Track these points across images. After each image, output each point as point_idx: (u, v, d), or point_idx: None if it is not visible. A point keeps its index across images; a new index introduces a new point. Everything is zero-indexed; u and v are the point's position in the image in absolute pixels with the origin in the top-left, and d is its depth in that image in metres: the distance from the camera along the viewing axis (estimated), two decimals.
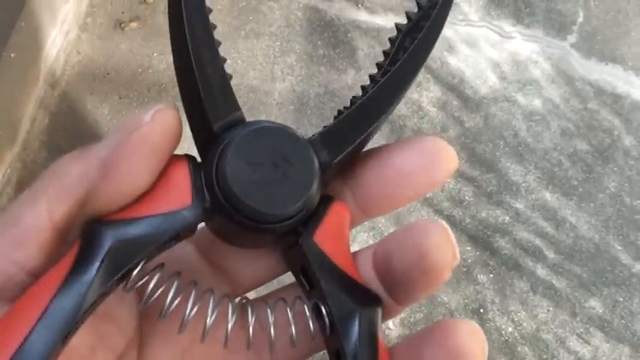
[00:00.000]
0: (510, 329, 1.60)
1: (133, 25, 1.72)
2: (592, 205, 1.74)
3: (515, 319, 1.62)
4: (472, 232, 1.67)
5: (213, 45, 0.27)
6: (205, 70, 0.26)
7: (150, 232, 0.24)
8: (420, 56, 0.29)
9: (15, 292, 0.23)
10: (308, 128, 1.71)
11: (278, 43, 1.80)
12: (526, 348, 1.59)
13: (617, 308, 1.65)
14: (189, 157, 0.27)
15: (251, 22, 1.81)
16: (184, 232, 0.25)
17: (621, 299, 1.66)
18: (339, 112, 0.30)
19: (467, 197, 1.71)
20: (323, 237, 0.26)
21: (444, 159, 0.27)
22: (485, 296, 1.63)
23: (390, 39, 0.33)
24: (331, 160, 0.27)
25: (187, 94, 0.27)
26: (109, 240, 0.23)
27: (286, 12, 1.85)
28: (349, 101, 0.31)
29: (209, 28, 0.27)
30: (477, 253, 1.66)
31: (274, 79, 1.76)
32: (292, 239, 0.27)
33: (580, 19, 1.96)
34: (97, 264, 0.23)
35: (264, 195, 0.25)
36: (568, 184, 1.76)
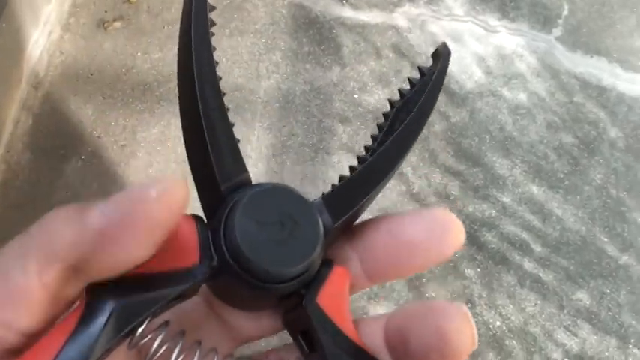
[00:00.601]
0: (498, 323, 1.61)
1: (117, 24, 1.72)
2: (578, 197, 1.75)
3: (503, 312, 1.62)
4: None
5: (222, 108, 0.28)
6: (215, 133, 0.27)
7: (155, 291, 0.24)
8: (417, 125, 0.30)
9: (2, 353, 0.23)
10: (294, 125, 1.71)
11: (263, 41, 1.80)
12: (514, 341, 1.60)
13: (604, 300, 1.66)
14: (196, 217, 0.26)
15: (235, 20, 1.81)
16: (190, 291, 0.25)
17: (608, 291, 1.66)
18: (340, 179, 0.30)
19: (453, 192, 1.71)
20: (325, 300, 0.27)
21: (453, 232, 0.27)
22: (472, 290, 1.63)
23: (383, 114, 0.33)
24: (333, 223, 0.27)
25: (196, 156, 0.27)
26: (112, 301, 0.23)
27: (271, 9, 1.85)
28: (338, 178, 0.31)
29: (219, 90, 0.28)
30: (464, 247, 1.66)
31: (259, 77, 1.75)
32: (294, 301, 0.27)
33: (565, 13, 1.96)
34: (101, 324, 0.22)
35: (271, 254, 0.25)
36: (554, 177, 1.76)
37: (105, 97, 1.64)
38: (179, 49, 0.28)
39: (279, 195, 0.27)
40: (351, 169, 0.31)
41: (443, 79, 0.31)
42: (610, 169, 1.78)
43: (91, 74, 1.66)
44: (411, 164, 1.71)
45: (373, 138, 0.33)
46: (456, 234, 0.27)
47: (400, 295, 1.58)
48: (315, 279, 0.27)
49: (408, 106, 0.31)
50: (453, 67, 1.84)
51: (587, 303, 1.65)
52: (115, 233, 0.22)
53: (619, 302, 1.65)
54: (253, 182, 0.28)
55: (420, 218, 0.27)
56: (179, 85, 0.28)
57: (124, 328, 0.23)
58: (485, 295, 1.63)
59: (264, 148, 1.66)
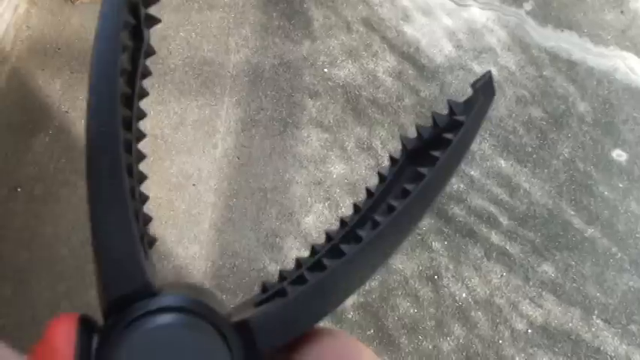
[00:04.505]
0: (464, 295, 1.63)
1: None
2: (546, 171, 1.76)
3: (469, 284, 1.64)
4: None
5: (125, 202, 0.23)
6: (110, 228, 0.22)
7: None
8: (415, 210, 0.24)
9: None
10: (263, 99, 1.71)
11: (232, 15, 1.79)
12: (479, 313, 1.62)
13: (569, 272, 1.68)
14: (82, 322, 0.22)
15: None
16: None
17: (573, 263, 1.68)
18: (298, 263, 0.26)
19: None
20: None
21: None
22: (439, 263, 1.65)
23: (391, 158, 0.27)
24: (260, 351, 0.23)
25: (93, 251, 0.23)
26: None
27: None
28: (279, 275, 0.27)
29: (119, 168, 0.23)
30: (432, 220, 1.68)
31: (229, 51, 1.75)
32: None
33: None
34: None
35: None
36: (522, 150, 1.77)
37: (73, 72, 1.64)
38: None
39: (183, 332, 0.22)
40: (312, 251, 0.26)
41: (475, 132, 0.24)
42: (578, 143, 1.79)
43: (59, 49, 1.66)
44: (380, 138, 1.72)
45: (356, 207, 0.27)
46: None
47: None
48: None
49: (421, 161, 0.25)
50: (422, 40, 1.84)
51: (553, 275, 1.67)
52: None
53: (584, 274, 1.68)
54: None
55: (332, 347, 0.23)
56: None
57: None
58: (452, 268, 1.65)
59: (233, 123, 1.67)
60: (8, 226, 1.49)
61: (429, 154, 0.25)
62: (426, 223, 1.67)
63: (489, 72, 0.26)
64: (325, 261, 0.24)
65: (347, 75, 1.78)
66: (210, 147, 1.63)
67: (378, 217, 0.24)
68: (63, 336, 0.21)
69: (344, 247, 0.24)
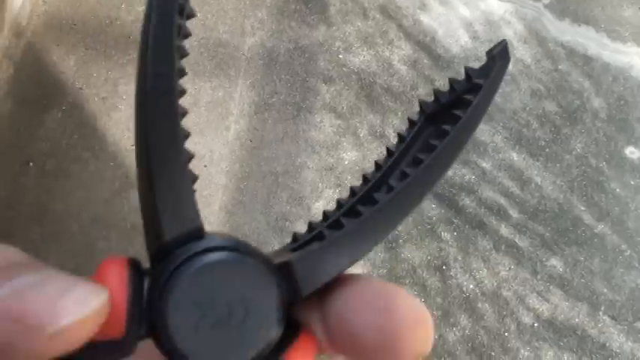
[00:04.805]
0: (472, 286, 1.63)
1: None
2: (558, 165, 1.76)
3: (477, 276, 1.64)
4: (438, 190, 1.69)
5: (177, 137, 0.23)
6: (165, 171, 0.23)
7: None
8: (441, 163, 0.25)
9: None
10: (277, 83, 1.70)
11: None
12: (486, 305, 1.62)
13: (577, 267, 1.68)
14: (132, 265, 0.22)
15: None
16: None
17: (582, 259, 1.68)
18: (310, 227, 0.26)
19: None
20: None
21: (423, 340, 0.22)
22: (448, 253, 1.65)
23: (410, 120, 0.28)
24: (301, 293, 0.23)
25: (142, 195, 0.23)
26: None
27: None
28: (324, 214, 0.27)
29: (175, 113, 0.23)
30: (442, 211, 1.67)
31: (244, 34, 1.74)
32: None
33: None
34: None
35: (209, 346, 0.22)
36: (535, 144, 1.77)
37: (87, 49, 1.64)
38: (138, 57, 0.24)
39: (230, 268, 0.23)
40: (325, 215, 0.26)
41: (492, 95, 0.26)
42: (591, 139, 1.78)
43: (74, 25, 1.65)
44: (393, 126, 1.71)
45: (377, 165, 0.28)
46: (426, 341, 0.22)
47: (376, 254, 1.60)
48: (273, 352, 0.23)
49: (440, 121, 0.26)
50: (439, 30, 1.84)
51: (561, 270, 1.67)
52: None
53: (592, 270, 1.68)
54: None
55: (384, 312, 0.22)
56: (136, 100, 0.23)
57: None
58: (460, 259, 1.65)
59: (246, 105, 1.66)
60: (19, 200, 1.49)
61: (450, 115, 0.26)
62: (436, 213, 1.67)
63: (505, 40, 0.27)
64: (360, 208, 0.25)
65: (362, 62, 1.77)
66: (223, 129, 1.63)
67: (406, 169, 0.25)
68: (115, 278, 0.21)
69: (376, 195, 0.25)
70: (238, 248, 0.23)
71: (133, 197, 1.52)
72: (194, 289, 0.22)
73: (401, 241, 1.63)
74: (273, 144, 1.65)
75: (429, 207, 1.67)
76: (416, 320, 0.22)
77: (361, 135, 1.70)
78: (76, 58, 1.62)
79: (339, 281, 0.24)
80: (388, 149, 0.28)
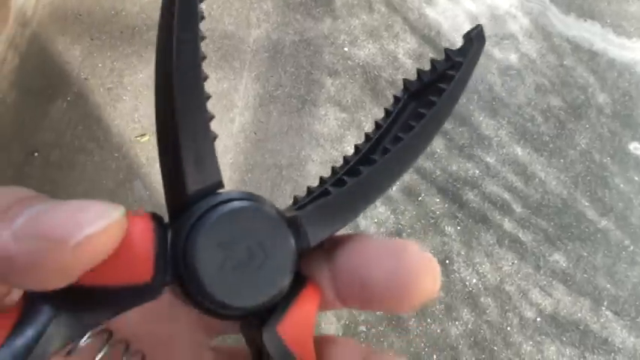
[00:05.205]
0: (475, 280, 1.63)
1: None
2: (562, 161, 1.76)
3: (480, 270, 1.64)
4: (442, 184, 1.69)
5: (201, 95, 0.24)
6: (190, 128, 0.24)
7: (98, 306, 0.22)
8: (432, 127, 0.27)
9: None
10: (282, 76, 1.70)
11: None
12: (489, 299, 1.62)
13: (580, 263, 1.68)
14: (155, 218, 0.24)
15: None
16: (138, 306, 0.23)
17: (585, 254, 1.68)
18: (309, 191, 0.28)
19: (438, 149, 1.72)
20: (288, 328, 0.24)
21: (430, 284, 0.23)
22: (451, 247, 1.65)
23: (395, 97, 0.30)
24: (309, 243, 0.25)
25: (165, 149, 0.24)
26: (48, 311, 0.21)
27: None
28: (331, 171, 0.28)
29: (199, 73, 0.24)
30: (446, 205, 1.67)
31: (249, 26, 1.74)
32: (255, 322, 0.25)
33: None
34: (37, 333, 0.20)
35: (233, 286, 0.23)
36: (540, 139, 1.76)
37: (93, 39, 1.64)
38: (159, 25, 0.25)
39: (250, 214, 0.24)
40: (334, 172, 0.28)
41: (471, 71, 0.28)
42: (596, 134, 1.78)
43: (80, 15, 1.65)
44: None
45: (367, 136, 0.29)
46: (434, 284, 0.23)
47: None
48: (281, 302, 0.24)
49: (424, 96, 0.28)
50: (444, 24, 1.83)
51: (564, 265, 1.67)
52: (25, 264, 0.19)
53: (595, 265, 1.68)
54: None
55: (395, 259, 0.24)
56: (156, 67, 0.25)
57: (62, 339, 0.21)
58: (463, 253, 1.65)
59: (251, 98, 1.66)
60: None
61: (434, 88, 0.28)
62: (440, 207, 1.67)
63: (480, 24, 0.29)
64: (359, 167, 0.26)
65: (367, 55, 1.77)
66: (228, 121, 1.63)
67: (399, 134, 0.27)
68: (141, 224, 0.22)
69: (373, 156, 0.27)
70: (257, 200, 0.25)
71: (137, 188, 1.52)
72: (218, 233, 0.23)
73: (404, 235, 1.64)
74: (277, 136, 1.65)
75: (433, 201, 1.67)
76: (425, 265, 0.23)
77: (366, 128, 1.69)
78: (82, 48, 1.62)
79: (349, 237, 0.25)
80: (377, 122, 0.30)
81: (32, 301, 0.21)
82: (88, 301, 0.22)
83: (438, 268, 0.23)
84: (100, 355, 0.24)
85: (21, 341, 0.20)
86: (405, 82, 0.29)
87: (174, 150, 0.24)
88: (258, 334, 0.24)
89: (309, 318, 0.25)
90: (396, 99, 0.29)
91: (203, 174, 0.24)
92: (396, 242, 0.24)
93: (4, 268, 0.20)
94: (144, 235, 0.22)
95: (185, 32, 0.24)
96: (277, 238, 0.24)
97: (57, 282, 0.20)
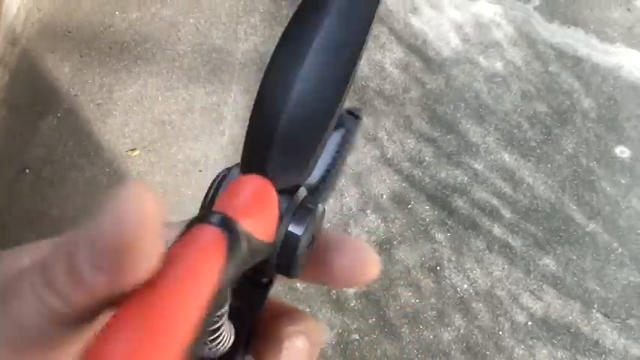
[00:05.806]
0: (466, 286, 1.65)
1: None
2: (549, 166, 1.78)
3: (471, 276, 1.66)
4: (431, 191, 1.70)
5: None
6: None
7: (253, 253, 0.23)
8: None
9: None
10: None
11: (242, 3, 1.80)
12: (480, 304, 1.64)
13: (570, 266, 1.69)
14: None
15: None
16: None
17: (574, 257, 1.70)
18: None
19: (427, 157, 1.74)
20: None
21: (372, 267, 0.29)
22: (442, 254, 1.67)
23: None
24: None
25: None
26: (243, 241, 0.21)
27: None
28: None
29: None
30: (435, 212, 1.69)
31: (237, 40, 1.76)
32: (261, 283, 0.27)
33: None
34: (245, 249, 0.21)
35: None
36: (526, 145, 1.79)
37: (82, 55, 1.65)
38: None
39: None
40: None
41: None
42: (582, 139, 1.80)
43: (69, 32, 1.66)
44: (386, 129, 1.73)
45: None
46: (373, 269, 0.29)
47: None
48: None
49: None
50: (430, 33, 1.86)
51: (554, 269, 1.69)
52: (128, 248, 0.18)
53: (584, 268, 1.69)
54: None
55: (348, 252, 0.29)
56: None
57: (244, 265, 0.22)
58: (454, 259, 1.66)
59: (240, 110, 1.68)
60: (15, 206, 1.51)
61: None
62: (430, 214, 1.68)
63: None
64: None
65: None
66: (217, 134, 1.64)
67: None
68: (272, 194, 0.26)
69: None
70: None
71: None
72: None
73: (395, 242, 1.65)
74: None
75: (423, 209, 1.68)
76: (373, 259, 0.28)
77: None
78: (71, 64, 1.63)
79: (334, 237, 0.29)
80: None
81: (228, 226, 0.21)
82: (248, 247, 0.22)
83: (377, 260, 0.29)
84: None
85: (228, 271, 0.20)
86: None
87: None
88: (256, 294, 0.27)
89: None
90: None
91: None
92: (355, 241, 0.29)
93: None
94: (273, 201, 0.25)
95: None
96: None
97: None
